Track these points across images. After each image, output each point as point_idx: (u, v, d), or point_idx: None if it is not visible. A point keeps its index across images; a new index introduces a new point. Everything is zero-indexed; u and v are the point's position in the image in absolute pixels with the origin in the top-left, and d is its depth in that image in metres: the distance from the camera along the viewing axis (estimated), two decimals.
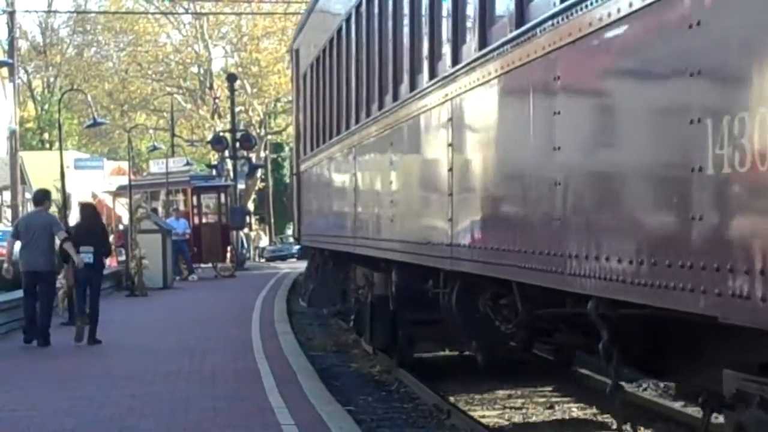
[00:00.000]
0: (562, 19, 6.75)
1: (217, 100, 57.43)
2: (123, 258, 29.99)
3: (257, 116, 61.60)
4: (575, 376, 13.17)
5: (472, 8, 9.01)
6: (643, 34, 5.81)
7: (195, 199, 40.37)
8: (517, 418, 11.39)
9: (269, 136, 65.43)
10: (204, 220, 40.33)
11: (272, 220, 71.61)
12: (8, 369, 13.75)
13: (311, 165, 19.43)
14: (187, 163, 45.23)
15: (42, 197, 17.20)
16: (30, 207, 57.07)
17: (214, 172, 45.48)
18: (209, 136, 51.34)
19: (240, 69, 58.08)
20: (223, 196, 40.95)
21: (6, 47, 52.52)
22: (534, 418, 11.36)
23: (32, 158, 58.82)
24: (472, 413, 11.30)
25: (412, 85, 11.09)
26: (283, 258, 56.22)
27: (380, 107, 12.72)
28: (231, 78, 47.87)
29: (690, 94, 5.22)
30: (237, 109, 50.96)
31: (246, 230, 48.25)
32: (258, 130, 59.68)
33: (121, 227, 41.19)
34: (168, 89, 62.37)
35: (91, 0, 71.34)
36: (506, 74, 7.91)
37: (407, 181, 11.51)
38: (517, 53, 7.62)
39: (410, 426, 10.94)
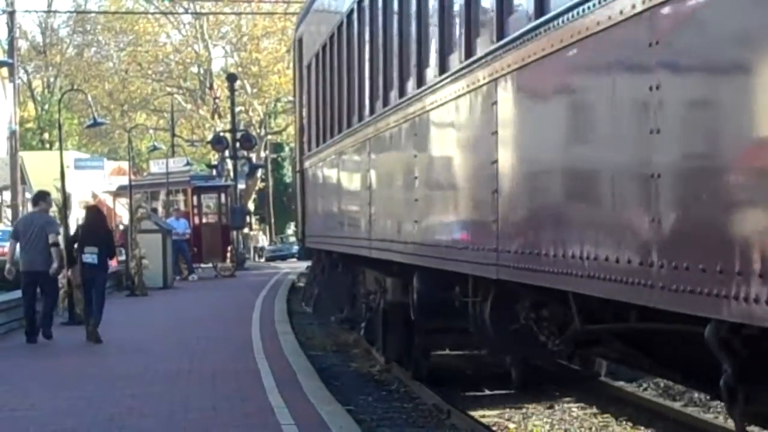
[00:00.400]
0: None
1: (217, 100, 57.43)
2: (123, 258, 29.98)
3: (257, 116, 61.61)
4: (576, 375, 13.16)
5: None
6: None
7: (195, 199, 40.36)
8: (517, 418, 11.38)
9: (269, 136, 65.44)
10: (204, 220, 40.31)
11: (272, 220, 71.64)
12: (8, 369, 13.75)
13: (317, 161, 17.94)
14: (188, 163, 45.22)
15: (40, 198, 17.38)
16: (29, 207, 57.17)
17: (214, 172, 45.47)
18: (209, 136, 51.35)
19: (240, 69, 58.08)
20: (223, 196, 40.94)
21: (6, 47, 52.52)
22: (534, 419, 11.36)
23: (32, 158, 58.84)
24: (472, 413, 11.29)
25: (442, 68, 9.75)
26: (283, 258, 56.23)
27: (401, 94, 11.37)
28: (231, 78, 47.86)
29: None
30: (237, 109, 50.95)
31: (246, 230, 48.25)
32: (258, 130, 59.67)
33: (121, 227, 41.15)
34: (168, 89, 62.37)
35: (91, 0, 71.39)
36: (577, 43, 6.65)
37: (436, 176, 10.20)
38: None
39: (410, 426, 10.94)
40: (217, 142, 43.78)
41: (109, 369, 13.55)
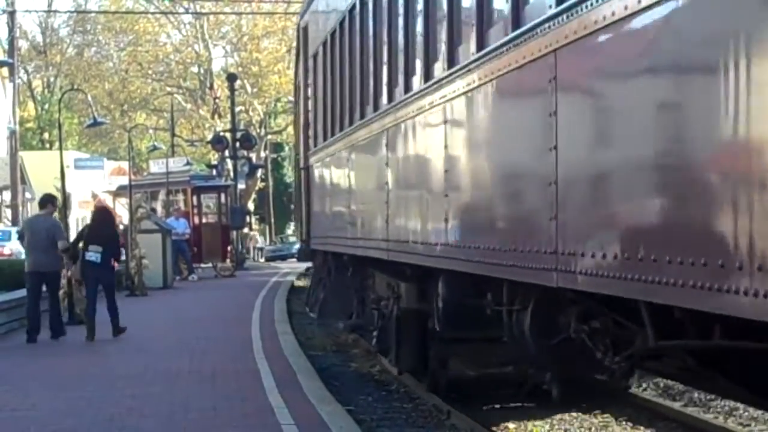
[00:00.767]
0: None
1: (217, 100, 57.44)
2: (123, 258, 29.99)
3: (257, 116, 61.63)
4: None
5: None
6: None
7: (195, 199, 40.37)
8: (516, 418, 11.37)
9: (269, 136, 65.47)
10: (204, 220, 40.32)
11: (272, 220, 71.66)
12: (8, 369, 13.75)
13: (325, 156, 16.49)
14: (187, 163, 45.24)
15: (46, 201, 17.69)
16: (29, 207, 57.24)
17: (214, 172, 45.49)
18: (209, 136, 51.36)
19: (240, 69, 58.10)
20: (223, 196, 40.96)
21: (6, 47, 52.53)
22: (534, 419, 11.35)
23: (32, 158, 58.90)
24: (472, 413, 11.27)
25: (480, 45, 8.33)
26: (283, 258, 56.26)
27: (427, 78, 9.99)
28: (231, 78, 47.88)
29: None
30: (237, 109, 50.96)
31: (245, 230, 48.27)
32: (258, 130, 59.70)
33: (121, 227, 41.16)
34: (168, 89, 62.39)
35: (91, 0, 71.40)
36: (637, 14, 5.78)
37: (472, 168, 8.94)
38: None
39: (410, 426, 10.94)
40: (217, 142, 43.79)
41: (109, 369, 13.55)
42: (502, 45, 7.78)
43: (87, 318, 16.99)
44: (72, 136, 71.26)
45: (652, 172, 5.73)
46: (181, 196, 41.08)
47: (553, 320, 8.11)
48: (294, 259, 49.76)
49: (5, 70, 50.48)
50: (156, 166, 45.09)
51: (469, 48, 8.74)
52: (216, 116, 57.85)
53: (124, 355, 15.10)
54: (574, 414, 11.42)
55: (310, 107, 18.32)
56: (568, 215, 6.75)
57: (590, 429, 10.85)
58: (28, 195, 54.68)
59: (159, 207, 40.56)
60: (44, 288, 17.16)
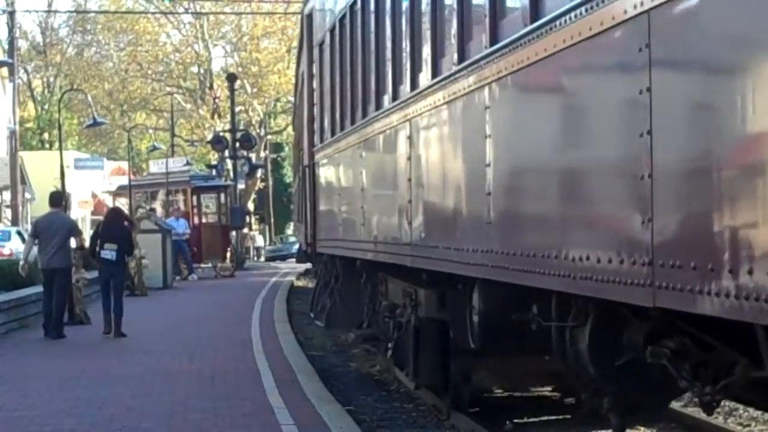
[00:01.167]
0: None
1: (217, 100, 57.48)
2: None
3: (257, 116, 61.67)
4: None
5: None
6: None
7: (195, 199, 40.38)
8: (517, 418, 11.36)
9: (269, 136, 65.54)
10: (204, 220, 40.33)
11: (272, 220, 71.68)
12: (8, 369, 13.74)
13: (333, 153, 15.06)
14: (187, 163, 45.27)
15: (59, 199, 18.36)
16: (29, 207, 57.13)
17: (214, 172, 45.50)
18: (209, 136, 51.38)
19: (240, 69, 58.14)
20: (223, 196, 40.96)
21: (6, 47, 52.51)
22: (534, 419, 11.33)
23: (32, 158, 58.93)
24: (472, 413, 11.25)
25: (536, 14, 6.87)
26: (283, 258, 56.29)
27: (462, 58, 8.50)
28: (231, 78, 47.89)
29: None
30: (237, 109, 51.00)
31: (245, 230, 48.30)
32: (258, 130, 59.75)
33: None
34: (168, 89, 62.44)
35: (91, 0, 71.41)
36: None
37: (522, 161, 7.50)
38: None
39: (410, 426, 10.93)
40: (217, 142, 43.81)
41: (109, 369, 13.54)
42: (569, 10, 6.25)
43: (103, 312, 17.55)
44: (72, 136, 71.30)
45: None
46: (180, 196, 41.09)
47: (617, 338, 6.94)
48: (293, 259, 49.86)
49: (5, 70, 50.48)
50: (156, 166, 45.11)
51: (519, 20, 7.16)
52: (216, 116, 57.90)
53: (124, 355, 15.10)
54: (574, 413, 11.38)
55: (315, 100, 16.89)
56: (665, 221, 5.37)
57: (590, 429, 10.82)
58: (27, 195, 54.70)
59: (159, 207, 40.57)
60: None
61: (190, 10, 60.48)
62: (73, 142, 72.55)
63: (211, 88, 59.44)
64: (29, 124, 73.31)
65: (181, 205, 39.83)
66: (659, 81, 5.39)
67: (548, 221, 6.95)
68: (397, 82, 10.97)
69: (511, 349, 9.42)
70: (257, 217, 68.53)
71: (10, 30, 45.64)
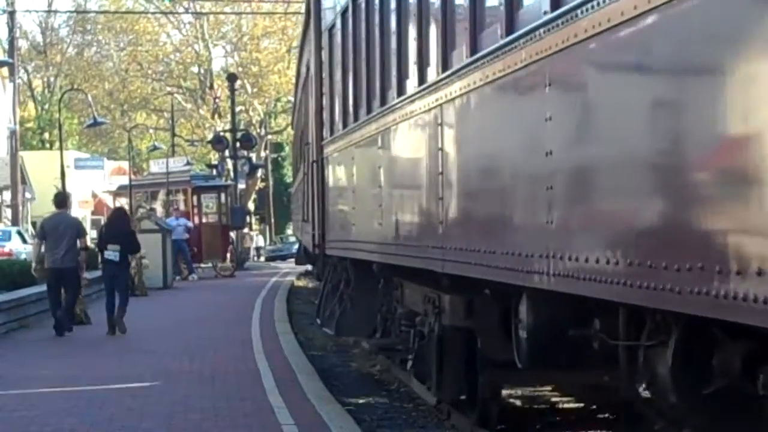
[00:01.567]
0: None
1: (217, 100, 57.53)
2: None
3: (257, 116, 61.70)
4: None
5: None
6: None
7: (195, 199, 40.38)
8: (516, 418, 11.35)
9: (269, 136, 65.56)
10: (204, 220, 40.34)
11: (272, 220, 71.70)
12: (8, 369, 13.74)
13: (346, 146, 13.71)
14: (188, 163, 45.28)
15: (65, 199, 18.66)
16: (30, 207, 57.11)
17: (214, 171, 45.53)
18: (209, 136, 51.43)
19: (240, 69, 58.17)
20: (223, 195, 40.97)
21: (6, 47, 52.53)
22: (533, 419, 11.33)
23: (32, 158, 58.92)
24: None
25: None
26: (283, 258, 56.30)
27: (510, 29, 7.15)
28: (231, 78, 47.92)
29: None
30: (237, 109, 51.03)
31: (245, 230, 48.31)
32: (258, 130, 59.79)
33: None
34: (168, 89, 62.48)
35: (91, 0, 71.43)
36: None
37: (603, 148, 6.01)
38: None
39: (410, 426, 10.92)
40: (218, 142, 43.84)
41: (109, 369, 13.54)
42: None
43: (107, 313, 17.69)
44: (72, 136, 71.29)
45: None
46: (181, 196, 41.10)
47: (706, 361, 5.93)
48: (293, 259, 49.85)
49: (5, 70, 50.49)
50: (156, 166, 45.13)
51: None
52: (216, 116, 57.94)
53: (124, 355, 15.10)
54: (574, 413, 11.38)
55: (324, 89, 15.40)
56: None
57: (591, 428, 10.82)
58: (28, 195, 54.71)
59: (159, 207, 40.59)
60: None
61: (190, 10, 60.52)
62: (73, 142, 72.56)
63: (211, 87, 59.47)
64: (29, 124, 73.32)
65: (182, 205, 39.84)
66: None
67: (628, 222, 5.69)
68: (423, 63, 9.70)
69: (564, 369, 8.21)
70: (258, 217, 68.54)
71: (11, 30, 45.65)
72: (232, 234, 40.03)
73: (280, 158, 75.81)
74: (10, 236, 41.89)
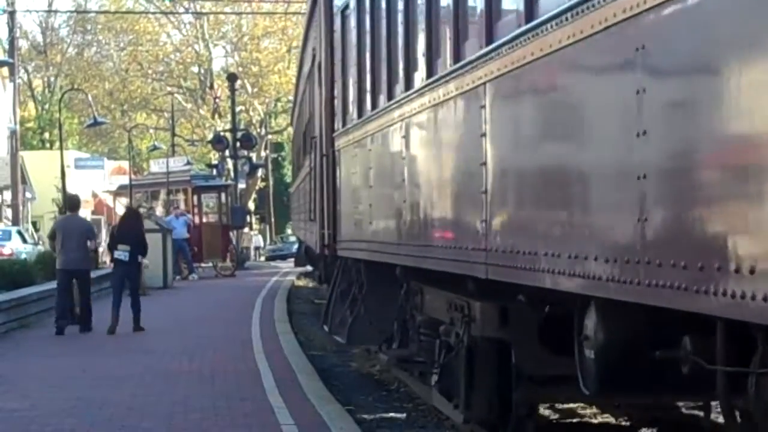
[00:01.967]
0: None
1: (217, 100, 57.54)
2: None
3: (258, 116, 61.71)
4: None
5: None
6: None
7: (195, 198, 40.39)
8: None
9: (270, 136, 65.57)
10: (204, 220, 40.34)
11: (272, 220, 71.71)
12: (8, 369, 13.74)
13: (362, 137, 12.30)
14: (188, 163, 45.28)
15: (77, 203, 19.33)
16: (30, 207, 57.05)
17: (214, 171, 45.54)
18: (210, 136, 51.43)
19: (240, 69, 58.18)
20: (223, 195, 40.97)
21: (6, 47, 52.53)
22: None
23: (32, 158, 58.89)
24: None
25: None
26: (283, 257, 56.30)
27: None
28: (231, 78, 47.92)
29: None
30: (237, 109, 51.03)
31: (246, 230, 48.32)
32: (258, 130, 59.80)
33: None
34: (168, 89, 62.49)
35: (91, 0, 71.44)
36: None
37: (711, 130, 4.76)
38: None
39: (410, 426, 10.92)
40: (218, 142, 43.84)
41: (109, 369, 13.54)
42: None
43: (112, 311, 17.85)
44: (72, 135, 71.28)
45: None
46: (181, 196, 41.10)
47: None
48: (293, 259, 49.83)
49: (5, 70, 50.48)
50: (156, 166, 45.13)
51: None
52: (216, 116, 57.96)
53: (124, 355, 15.10)
54: (576, 414, 11.38)
55: (336, 76, 14.13)
56: None
57: (591, 428, 10.82)
58: (28, 195, 54.69)
59: (160, 207, 40.58)
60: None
61: (190, 10, 60.53)
62: (73, 142, 72.54)
63: (211, 87, 59.49)
64: (30, 124, 73.30)
65: (182, 205, 39.85)
66: None
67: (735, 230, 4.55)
68: (460, 38, 8.31)
69: (641, 395, 7.14)
70: (258, 216, 68.55)
71: (11, 30, 45.66)
72: (232, 234, 40.04)
73: (280, 158, 75.81)
74: (10, 236, 41.90)
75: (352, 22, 13.12)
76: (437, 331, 10.06)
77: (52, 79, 73.69)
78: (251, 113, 61.21)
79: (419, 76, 9.74)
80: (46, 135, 74.67)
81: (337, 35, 14.13)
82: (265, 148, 64.62)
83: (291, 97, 44.61)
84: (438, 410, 11.14)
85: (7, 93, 51.50)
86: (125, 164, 58.38)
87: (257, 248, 60.93)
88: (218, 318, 20.51)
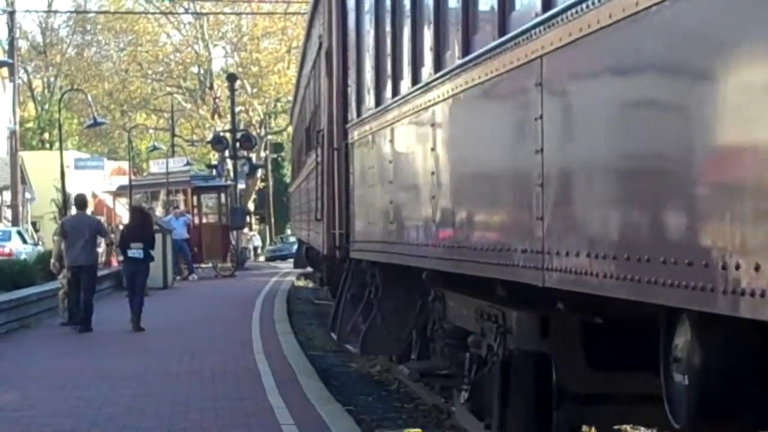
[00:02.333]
0: None
1: (217, 100, 57.53)
2: (123, 258, 30.03)
3: (257, 116, 61.71)
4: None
5: None
6: None
7: (195, 199, 40.38)
8: None
9: (269, 136, 65.56)
10: (204, 220, 40.34)
11: (272, 220, 71.69)
12: (9, 368, 13.75)
13: (380, 127, 10.92)
14: (188, 163, 45.28)
15: (84, 202, 19.61)
16: (30, 207, 57.04)
17: (214, 172, 45.52)
18: (209, 136, 51.42)
19: (240, 69, 58.19)
20: (223, 196, 40.97)
21: (6, 47, 52.54)
22: None
23: (32, 158, 58.88)
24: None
25: None
26: (284, 258, 56.28)
27: None
28: (231, 78, 47.91)
29: None
30: (237, 109, 51.02)
31: (245, 229, 48.33)
32: (258, 130, 59.80)
33: (121, 227, 41.20)
34: (168, 89, 62.49)
35: (91, 0, 71.45)
36: None
37: None
38: None
39: (410, 426, 10.93)
40: (217, 142, 43.83)
41: (109, 369, 13.54)
42: None
43: (131, 309, 18.20)
44: (72, 136, 71.27)
45: None
46: (181, 196, 41.10)
47: None
48: (293, 259, 49.82)
49: (5, 70, 50.49)
50: (156, 166, 45.14)
51: None
52: (216, 116, 57.94)
53: (125, 355, 15.11)
54: None
55: (350, 63, 12.92)
56: None
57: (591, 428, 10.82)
58: (28, 195, 54.70)
59: (159, 207, 40.58)
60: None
61: (190, 11, 60.53)
62: (73, 142, 72.54)
63: (211, 88, 59.49)
64: (29, 124, 73.29)
65: (182, 205, 39.85)
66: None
67: None
68: (506, 7, 6.84)
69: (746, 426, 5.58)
70: (257, 217, 68.54)
71: (10, 30, 45.65)
72: (232, 234, 40.04)
73: (280, 158, 75.77)
74: (10, 236, 41.91)
75: (366, 3, 11.91)
76: (464, 341, 8.99)
77: (52, 79, 73.69)
78: (251, 113, 61.21)
79: (450, 57, 8.38)
80: (46, 135, 74.65)
81: (351, 17, 12.81)
82: (265, 149, 64.62)
83: (290, 98, 44.65)
84: (438, 408, 11.14)
85: (7, 93, 51.51)
86: (125, 165, 58.35)
87: (255, 248, 60.91)
88: (218, 318, 20.52)
